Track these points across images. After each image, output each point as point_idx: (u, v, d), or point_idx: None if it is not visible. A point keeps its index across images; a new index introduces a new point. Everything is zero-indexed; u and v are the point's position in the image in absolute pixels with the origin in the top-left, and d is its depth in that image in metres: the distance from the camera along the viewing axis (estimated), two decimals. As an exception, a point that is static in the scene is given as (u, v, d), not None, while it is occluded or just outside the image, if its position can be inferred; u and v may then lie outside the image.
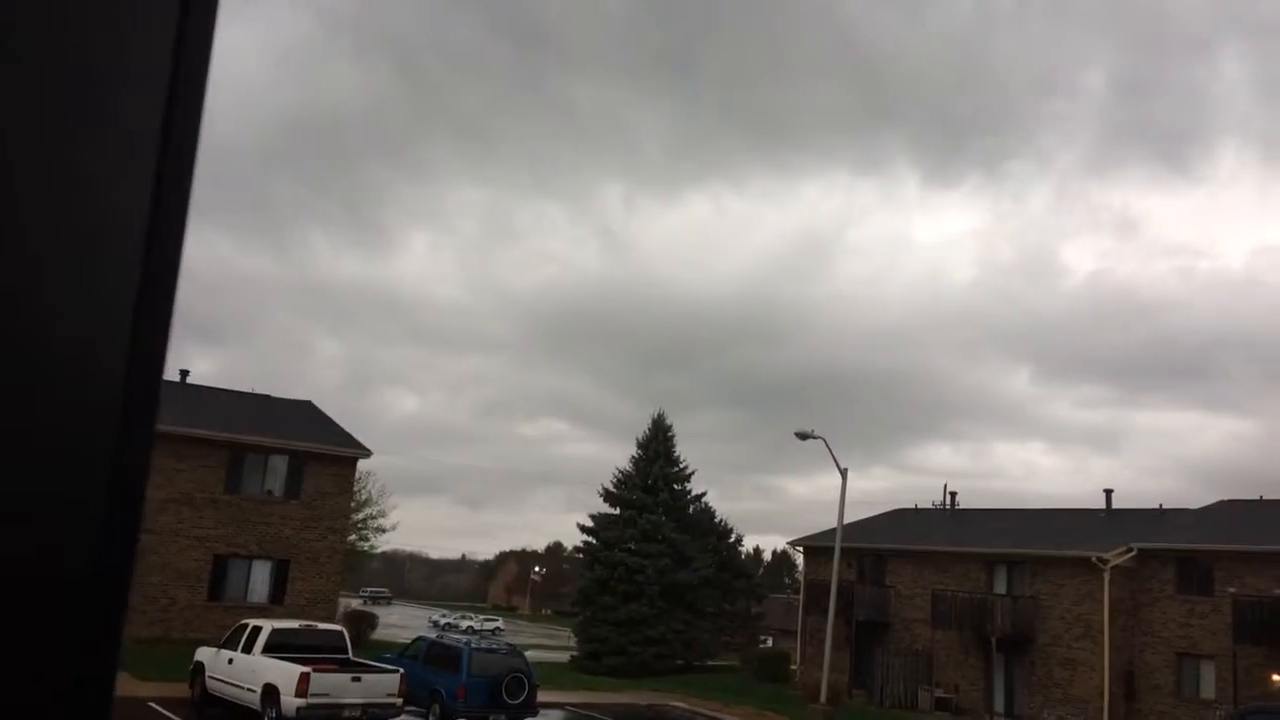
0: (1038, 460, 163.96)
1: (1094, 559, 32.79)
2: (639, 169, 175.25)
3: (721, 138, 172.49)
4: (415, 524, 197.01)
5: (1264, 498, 37.45)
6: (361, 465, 41.62)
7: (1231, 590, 30.37)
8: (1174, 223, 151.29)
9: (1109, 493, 40.09)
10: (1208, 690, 31.15)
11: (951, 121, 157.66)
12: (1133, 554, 33.08)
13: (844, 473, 31.10)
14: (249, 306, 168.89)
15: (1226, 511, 36.25)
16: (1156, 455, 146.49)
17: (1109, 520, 38.21)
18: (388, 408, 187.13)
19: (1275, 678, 29.41)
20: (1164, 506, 39.56)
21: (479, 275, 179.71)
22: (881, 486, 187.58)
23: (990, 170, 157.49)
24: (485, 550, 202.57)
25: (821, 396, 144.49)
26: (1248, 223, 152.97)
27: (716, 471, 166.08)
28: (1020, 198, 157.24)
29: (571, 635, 57.47)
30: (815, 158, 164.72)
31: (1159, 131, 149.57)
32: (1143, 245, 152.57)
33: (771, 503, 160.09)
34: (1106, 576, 32.56)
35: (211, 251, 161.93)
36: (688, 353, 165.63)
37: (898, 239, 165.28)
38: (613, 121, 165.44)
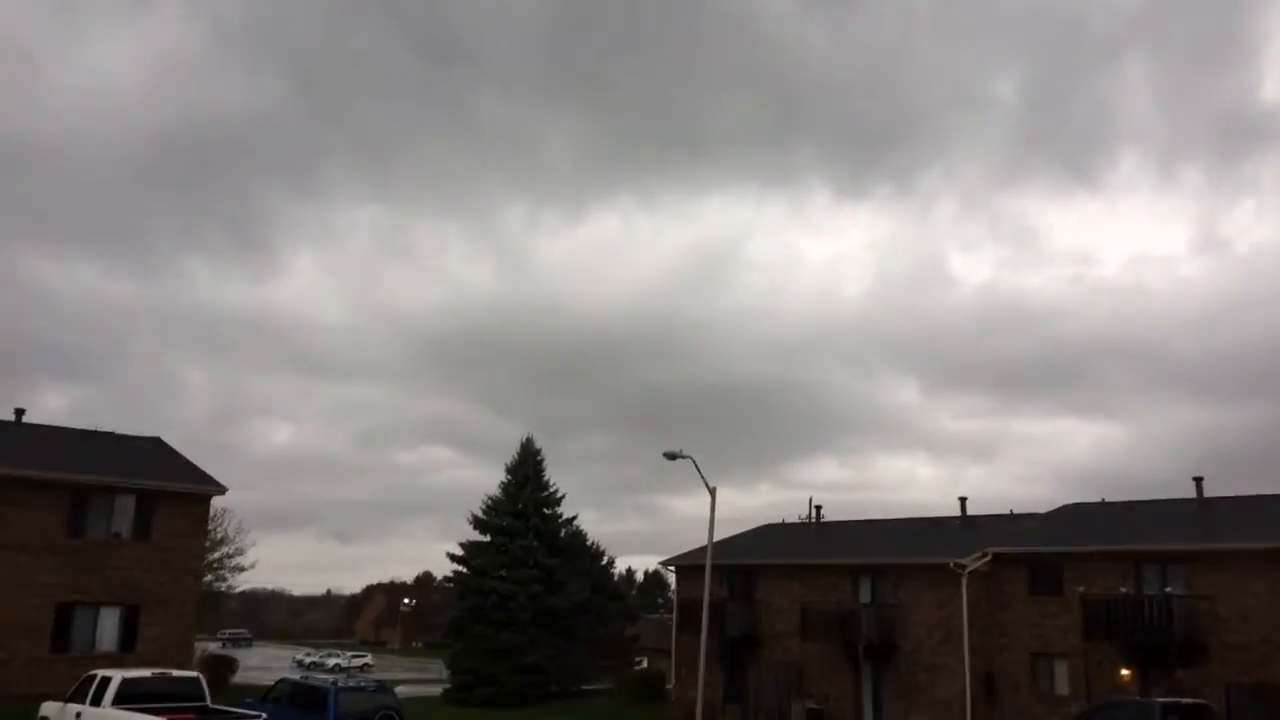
0: (917, 470, 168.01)
1: (952, 565, 33.91)
2: (546, 185, 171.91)
3: (634, 153, 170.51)
4: (277, 560, 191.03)
5: (1105, 499, 39.49)
6: (217, 502, 40.02)
7: (1080, 590, 31.80)
8: (1068, 230, 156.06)
9: (963, 500, 41.74)
10: (1062, 687, 32.49)
11: (866, 134, 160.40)
12: (988, 558, 34.34)
13: (713, 491, 31.44)
14: (113, 337, 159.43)
15: (1072, 514, 38.02)
16: (1028, 463, 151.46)
17: (965, 527, 39.65)
18: (257, 440, 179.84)
19: (1123, 672, 30.91)
20: (1014, 511, 41.33)
21: (368, 298, 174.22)
22: (766, 502, 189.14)
23: (900, 183, 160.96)
24: (351, 584, 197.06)
25: (712, 414, 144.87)
26: (1137, 232, 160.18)
27: (604, 494, 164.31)
28: (926, 208, 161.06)
29: (444, 667, 56.30)
30: (727, 171, 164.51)
31: (1063, 140, 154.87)
32: (1037, 253, 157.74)
33: (654, 523, 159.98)
34: (964, 581, 33.71)
35: (73, 279, 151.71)
36: (582, 373, 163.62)
37: (799, 252, 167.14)
38: (521, 136, 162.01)
